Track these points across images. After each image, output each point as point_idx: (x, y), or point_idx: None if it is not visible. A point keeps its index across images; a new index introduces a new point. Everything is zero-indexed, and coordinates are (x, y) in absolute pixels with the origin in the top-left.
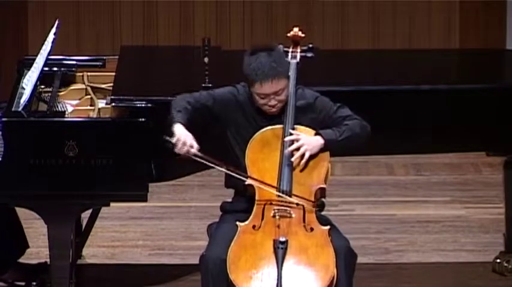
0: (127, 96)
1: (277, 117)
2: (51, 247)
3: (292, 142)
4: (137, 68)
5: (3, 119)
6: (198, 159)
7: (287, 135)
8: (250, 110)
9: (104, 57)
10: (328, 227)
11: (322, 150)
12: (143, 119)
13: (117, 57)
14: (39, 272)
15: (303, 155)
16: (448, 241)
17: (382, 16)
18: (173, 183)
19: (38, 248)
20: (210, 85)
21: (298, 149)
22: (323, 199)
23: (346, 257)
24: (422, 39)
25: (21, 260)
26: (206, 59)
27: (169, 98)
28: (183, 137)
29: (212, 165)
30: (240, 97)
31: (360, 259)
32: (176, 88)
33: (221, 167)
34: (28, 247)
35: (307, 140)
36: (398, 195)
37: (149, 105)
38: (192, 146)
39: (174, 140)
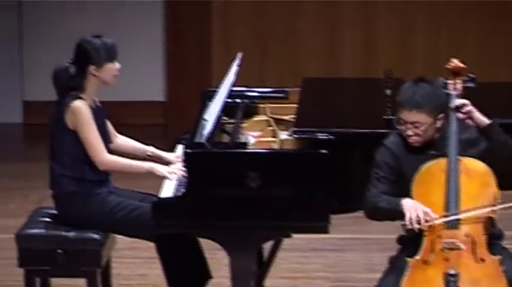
0: (309, 128)
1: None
2: (234, 277)
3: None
4: (319, 99)
5: (187, 150)
6: (439, 221)
7: (452, 168)
8: (405, 152)
9: (287, 89)
10: (499, 256)
11: (483, 132)
12: (325, 151)
13: (299, 89)
14: None
15: (469, 112)
16: None
17: None
18: (354, 215)
19: (219, 279)
20: (392, 117)
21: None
22: (502, 231)
23: None
24: None
25: None
26: (388, 91)
27: (351, 130)
28: (413, 214)
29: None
30: (393, 149)
31: None
32: (358, 120)
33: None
34: (211, 277)
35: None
36: None
37: (331, 137)
38: (427, 216)
39: (407, 223)
